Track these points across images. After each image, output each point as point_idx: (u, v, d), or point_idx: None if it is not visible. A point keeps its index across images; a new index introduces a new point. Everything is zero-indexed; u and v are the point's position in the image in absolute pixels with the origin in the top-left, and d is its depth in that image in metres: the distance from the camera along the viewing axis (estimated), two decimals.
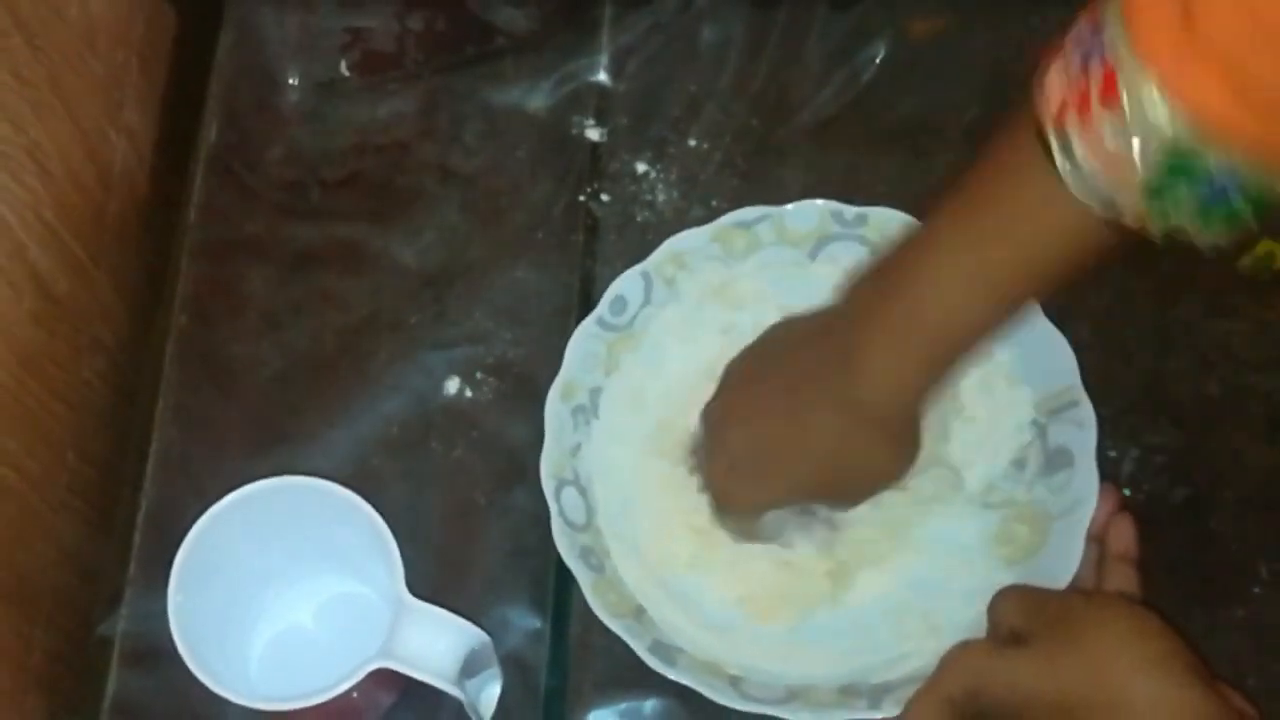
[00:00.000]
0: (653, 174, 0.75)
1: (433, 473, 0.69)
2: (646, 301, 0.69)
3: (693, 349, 0.69)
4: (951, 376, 0.59)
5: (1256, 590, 0.66)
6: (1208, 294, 0.71)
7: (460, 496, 0.69)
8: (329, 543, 0.63)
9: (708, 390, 0.65)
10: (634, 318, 0.69)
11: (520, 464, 0.69)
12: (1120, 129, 0.47)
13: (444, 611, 0.57)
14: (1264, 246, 0.72)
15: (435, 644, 0.56)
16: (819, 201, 0.69)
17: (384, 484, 0.68)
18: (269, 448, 0.69)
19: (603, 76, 0.78)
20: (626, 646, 0.61)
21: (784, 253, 0.70)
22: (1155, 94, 0.46)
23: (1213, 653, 0.55)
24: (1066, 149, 0.49)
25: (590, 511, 0.65)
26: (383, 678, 0.57)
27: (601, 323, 0.68)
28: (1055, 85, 0.49)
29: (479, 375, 0.71)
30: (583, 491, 0.66)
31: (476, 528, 0.68)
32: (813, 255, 0.70)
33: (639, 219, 0.74)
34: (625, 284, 0.68)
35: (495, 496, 0.69)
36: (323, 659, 0.62)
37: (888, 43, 0.77)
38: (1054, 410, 0.65)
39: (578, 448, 0.66)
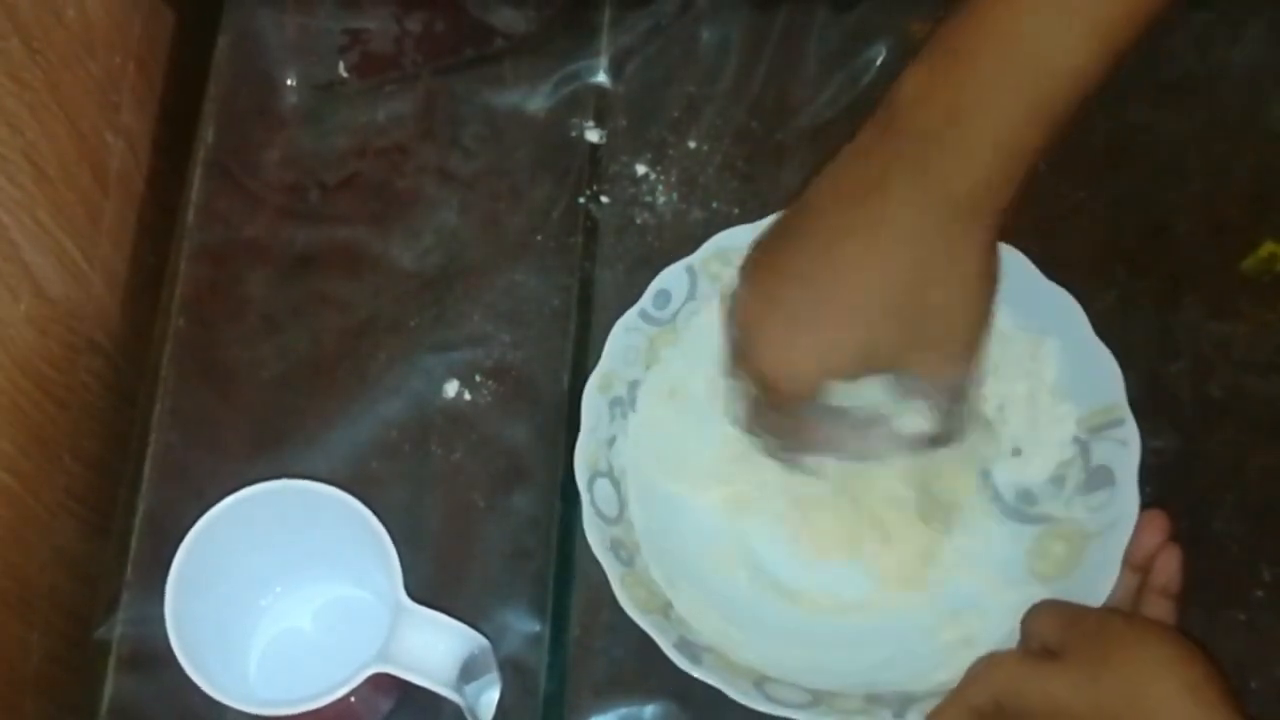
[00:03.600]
0: (652, 176, 0.75)
1: (431, 476, 0.69)
2: (690, 296, 0.68)
3: None
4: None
5: (1258, 594, 0.66)
6: (1209, 296, 0.71)
7: (459, 500, 0.69)
8: (327, 546, 0.62)
9: None
10: (677, 312, 0.68)
11: (520, 467, 0.69)
12: None
13: (442, 615, 0.57)
14: (1266, 248, 0.72)
15: (434, 648, 0.56)
16: None
17: (383, 487, 0.68)
18: (267, 450, 0.69)
19: (602, 78, 0.77)
20: (626, 650, 0.61)
21: None
22: None
23: (1214, 656, 0.55)
24: None
25: (623, 504, 0.65)
26: (381, 682, 0.56)
27: (644, 315, 0.67)
28: None
29: (478, 378, 0.71)
30: (616, 484, 0.65)
31: (475, 531, 0.68)
32: None
33: (638, 221, 0.74)
34: (669, 278, 0.68)
35: (494, 500, 0.69)
36: (321, 663, 0.62)
37: (888, 45, 0.77)
38: (1097, 428, 0.64)
39: (613, 440, 0.66)
